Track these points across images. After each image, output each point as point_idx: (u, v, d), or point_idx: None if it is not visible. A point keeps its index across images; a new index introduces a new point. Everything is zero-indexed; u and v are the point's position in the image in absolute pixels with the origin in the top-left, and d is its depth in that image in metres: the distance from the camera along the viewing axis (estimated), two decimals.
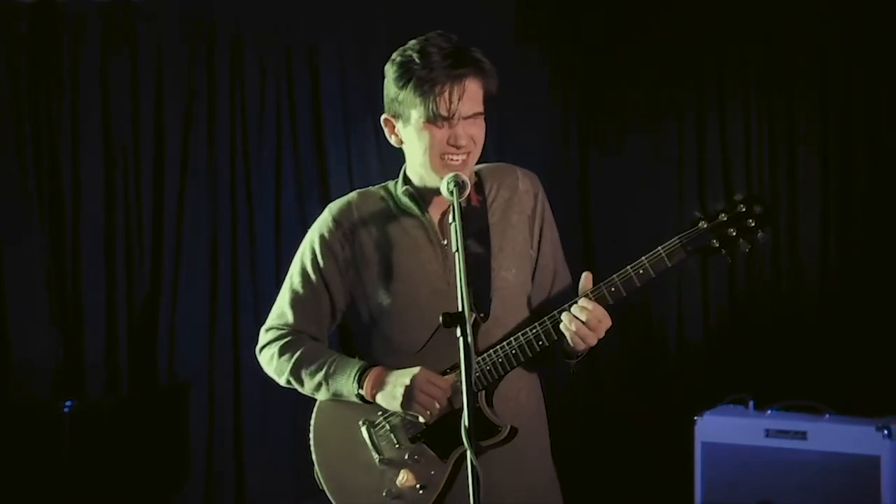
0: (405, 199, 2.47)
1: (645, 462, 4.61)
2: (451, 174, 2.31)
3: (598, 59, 4.91)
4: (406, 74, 2.34)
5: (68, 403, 4.26)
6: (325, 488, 2.49)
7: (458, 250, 2.14)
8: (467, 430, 1.99)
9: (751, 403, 4.14)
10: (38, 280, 4.81)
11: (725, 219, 2.29)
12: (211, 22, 4.92)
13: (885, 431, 3.80)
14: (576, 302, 2.31)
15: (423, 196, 2.45)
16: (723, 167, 4.72)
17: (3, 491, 4.24)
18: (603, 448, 4.74)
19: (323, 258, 2.49)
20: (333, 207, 2.53)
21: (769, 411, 4.10)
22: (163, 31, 4.89)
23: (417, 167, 2.43)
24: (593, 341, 2.32)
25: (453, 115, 2.32)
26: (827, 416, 3.98)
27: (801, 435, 3.93)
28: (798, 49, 4.59)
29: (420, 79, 2.31)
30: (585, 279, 2.35)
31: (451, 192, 2.27)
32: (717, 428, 4.07)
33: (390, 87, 2.40)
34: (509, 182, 2.52)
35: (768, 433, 3.98)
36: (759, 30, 4.65)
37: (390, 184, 2.54)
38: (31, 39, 4.81)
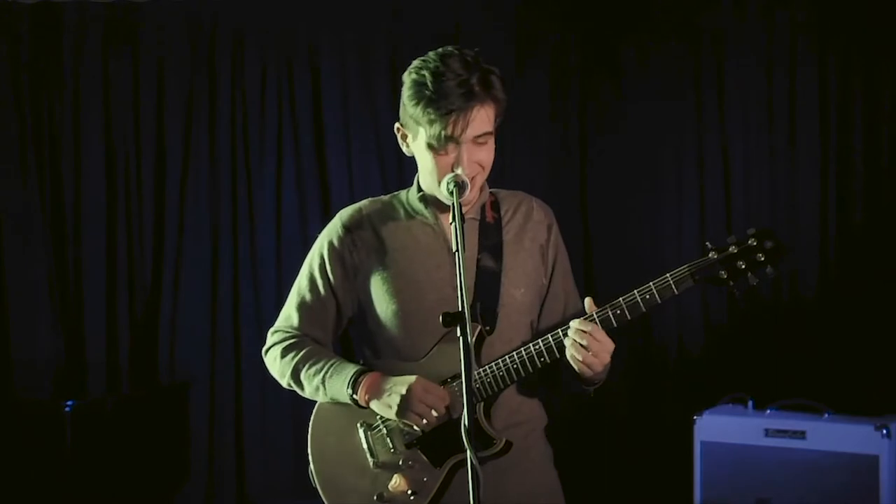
0: (419, 204, 2.48)
1: (644, 461, 4.61)
2: (451, 174, 2.33)
3: (598, 60, 4.92)
4: (418, 95, 2.32)
5: (70, 402, 4.28)
6: (318, 488, 2.50)
7: (457, 250, 2.15)
8: (468, 431, 2.00)
9: (750, 403, 4.15)
10: (40, 280, 4.82)
11: (735, 252, 2.28)
12: (212, 22, 4.93)
13: (884, 431, 3.79)
14: (582, 319, 2.30)
15: (436, 202, 2.47)
16: (723, 169, 4.72)
17: (5, 490, 4.26)
18: (602, 447, 4.75)
19: (331, 264, 2.50)
20: (344, 214, 2.55)
21: (768, 410, 4.09)
22: (164, 31, 4.90)
23: (425, 179, 2.44)
24: (599, 367, 2.31)
25: (459, 141, 2.32)
26: (826, 415, 3.98)
27: (800, 434, 3.93)
28: (798, 53, 4.60)
29: (430, 103, 2.30)
30: (589, 304, 2.33)
31: (451, 193, 2.29)
32: (716, 427, 4.07)
33: (404, 101, 2.38)
34: (525, 209, 2.54)
35: (767, 432, 3.98)
36: (758, 34, 4.66)
37: (402, 193, 2.56)
38: (32, 40, 4.82)
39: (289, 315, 2.56)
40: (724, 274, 2.29)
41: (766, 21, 4.62)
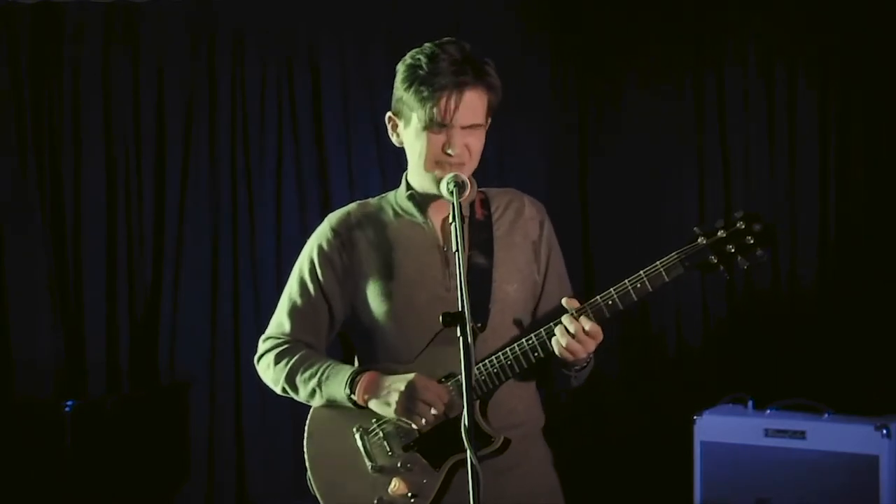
0: (407, 203, 2.47)
1: (644, 461, 4.62)
2: (451, 174, 2.32)
3: (598, 58, 4.93)
4: (411, 77, 2.33)
5: (70, 403, 4.28)
6: (316, 493, 2.49)
7: (457, 250, 2.14)
8: (468, 430, 2.00)
9: (750, 403, 4.15)
10: (40, 280, 4.83)
11: (724, 235, 2.27)
12: (212, 22, 4.93)
13: (884, 431, 3.79)
14: (571, 314, 2.29)
15: (425, 201, 2.46)
16: (723, 166, 4.73)
17: (4, 490, 4.26)
18: (602, 446, 4.75)
19: (321, 269, 2.49)
20: (332, 218, 2.54)
21: (768, 410, 4.10)
22: (164, 31, 4.90)
23: (414, 170, 2.43)
24: (582, 354, 2.30)
25: (450, 122, 2.32)
26: (826, 415, 3.98)
27: (800, 434, 3.94)
28: (798, 52, 4.60)
29: (423, 83, 2.31)
30: (568, 302, 2.32)
31: (451, 192, 2.28)
32: (716, 427, 4.07)
33: (397, 86, 2.39)
34: (516, 206, 2.52)
35: (767, 432, 3.98)
36: (758, 35, 4.66)
37: (389, 194, 2.55)
38: (31, 40, 4.82)
39: (280, 322, 2.54)
40: (714, 259, 2.28)
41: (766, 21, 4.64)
